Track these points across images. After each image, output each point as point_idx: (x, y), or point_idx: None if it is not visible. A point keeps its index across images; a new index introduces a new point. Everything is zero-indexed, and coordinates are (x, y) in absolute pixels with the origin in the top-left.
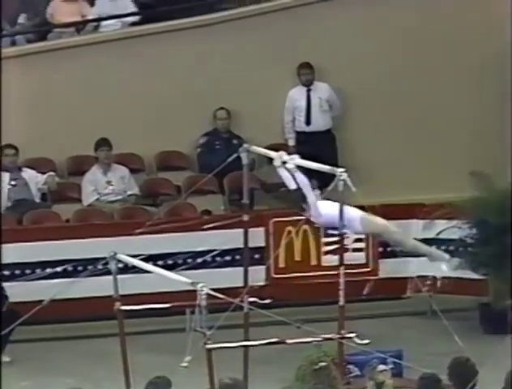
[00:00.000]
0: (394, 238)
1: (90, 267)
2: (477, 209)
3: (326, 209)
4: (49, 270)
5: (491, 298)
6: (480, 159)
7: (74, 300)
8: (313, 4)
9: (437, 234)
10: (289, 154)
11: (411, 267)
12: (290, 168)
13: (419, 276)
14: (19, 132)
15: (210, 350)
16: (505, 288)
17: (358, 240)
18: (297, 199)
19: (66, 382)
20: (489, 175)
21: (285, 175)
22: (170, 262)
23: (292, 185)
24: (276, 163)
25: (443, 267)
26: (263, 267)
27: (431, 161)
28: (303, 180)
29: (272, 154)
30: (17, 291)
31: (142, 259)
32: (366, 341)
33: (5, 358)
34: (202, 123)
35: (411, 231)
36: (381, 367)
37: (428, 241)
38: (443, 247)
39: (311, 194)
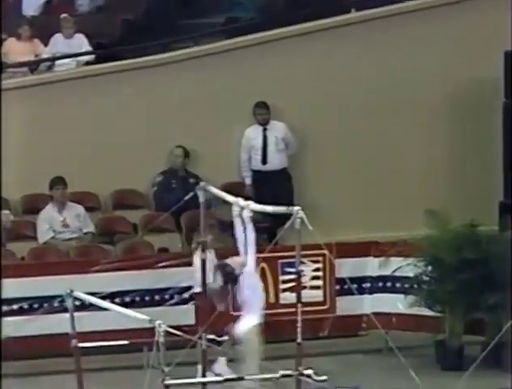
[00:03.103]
0: None
1: (46, 305)
2: (432, 247)
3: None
4: (4, 308)
5: (446, 335)
6: (434, 198)
7: (30, 337)
8: (269, 43)
9: (393, 272)
10: (246, 199)
11: (367, 305)
12: (245, 218)
13: (374, 313)
14: None
15: (168, 387)
16: (459, 325)
17: (315, 277)
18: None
19: None
20: (443, 214)
21: (237, 224)
22: (127, 299)
23: (239, 235)
24: (234, 209)
25: (399, 304)
26: (222, 305)
27: (386, 200)
28: (251, 235)
29: (229, 198)
30: None
31: (100, 297)
32: (323, 378)
33: None
34: (159, 162)
35: (368, 269)
36: None
37: (383, 279)
38: (398, 285)
39: (251, 253)
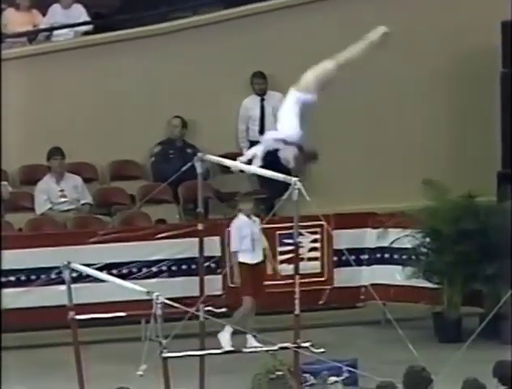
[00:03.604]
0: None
1: (43, 276)
2: (430, 218)
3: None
4: (2, 279)
5: (444, 307)
6: (432, 169)
7: (27, 309)
8: (266, 13)
9: (391, 243)
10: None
11: (365, 276)
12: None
13: (372, 285)
14: None
15: (166, 359)
16: (457, 296)
17: (313, 249)
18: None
19: None
20: (441, 184)
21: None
22: (125, 271)
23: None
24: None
25: (397, 276)
26: (219, 277)
27: (384, 171)
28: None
29: (228, 162)
30: None
31: (97, 269)
32: (321, 350)
33: None
34: (156, 133)
35: (366, 240)
36: (332, 379)
37: (382, 250)
38: (396, 256)
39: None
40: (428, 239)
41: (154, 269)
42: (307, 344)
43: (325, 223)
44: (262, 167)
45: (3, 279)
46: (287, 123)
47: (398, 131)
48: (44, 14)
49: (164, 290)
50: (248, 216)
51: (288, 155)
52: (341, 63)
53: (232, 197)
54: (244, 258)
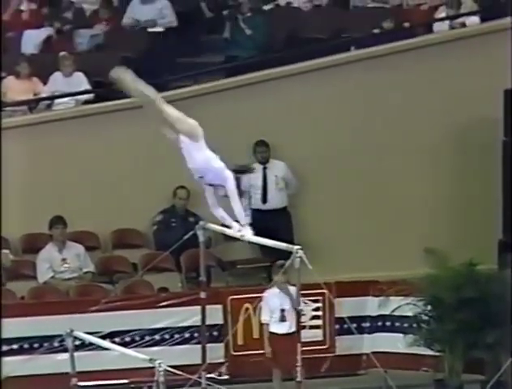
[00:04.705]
0: None
1: (46, 344)
2: (431, 286)
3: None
4: (4, 347)
5: (446, 374)
6: (434, 237)
7: (30, 376)
8: (269, 81)
9: (392, 311)
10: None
11: (367, 344)
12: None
13: (374, 352)
14: None
15: None
16: (459, 363)
17: (315, 317)
18: None
19: None
20: (443, 252)
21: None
22: (127, 339)
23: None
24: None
25: (398, 344)
26: (221, 345)
27: (385, 239)
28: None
29: (227, 230)
30: None
31: (99, 337)
32: None
33: None
34: (158, 201)
35: (367, 308)
36: None
37: (383, 318)
38: (398, 324)
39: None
40: (429, 307)
41: (156, 337)
42: None
43: (326, 291)
44: (262, 235)
45: (6, 348)
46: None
47: (399, 199)
48: (44, 83)
49: (167, 358)
50: (281, 287)
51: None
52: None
53: (234, 265)
54: (273, 328)
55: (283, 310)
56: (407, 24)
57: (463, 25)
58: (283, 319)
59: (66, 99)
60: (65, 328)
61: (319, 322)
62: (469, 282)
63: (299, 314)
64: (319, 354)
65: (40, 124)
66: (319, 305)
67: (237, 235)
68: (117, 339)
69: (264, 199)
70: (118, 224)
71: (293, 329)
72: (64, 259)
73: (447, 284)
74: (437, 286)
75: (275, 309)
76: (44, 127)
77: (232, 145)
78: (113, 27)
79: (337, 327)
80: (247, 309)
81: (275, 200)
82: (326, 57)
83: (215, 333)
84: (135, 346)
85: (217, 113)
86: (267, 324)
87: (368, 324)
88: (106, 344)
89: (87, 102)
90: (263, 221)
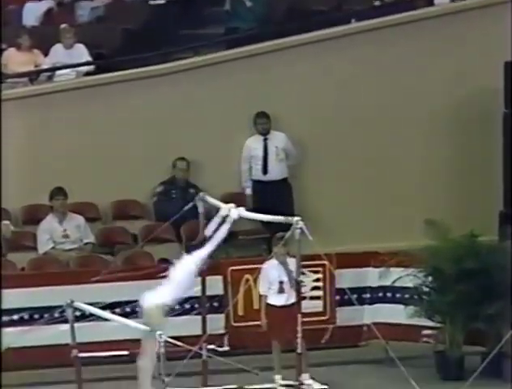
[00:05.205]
0: None
1: (46, 315)
2: (432, 257)
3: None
4: (5, 318)
5: (446, 346)
6: (435, 208)
7: (30, 348)
8: (269, 53)
9: (393, 282)
10: (241, 206)
11: (367, 315)
12: (230, 217)
13: (374, 324)
14: None
15: None
16: (459, 335)
17: (315, 288)
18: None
19: None
20: (443, 224)
21: (214, 222)
22: (128, 309)
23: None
24: (223, 212)
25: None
26: (222, 315)
27: (386, 210)
28: (221, 235)
29: (222, 205)
30: None
31: (100, 308)
32: (324, 388)
33: None
34: (159, 172)
35: (368, 279)
36: None
37: (384, 289)
38: (398, 295)
39: (211, 245)
40: (430, 278)
41: None
42: (310, 382)
43: (327, 262)
44: (262, 206)
45: (6, 319)
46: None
47: (401, 171)
48: (45, 55)
49: (167, 329)
50: (280, 259)
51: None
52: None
53: (235, 236)
54: (271, 300)
55: (281, 282)
56: None
57: None
58: (281, 291)
59: (66, 70)
60: (65, 299)
61: (319, 293)
62: (470, 253)
63: (299, 284)
64: (319, 325)
65: (41, 95)
66: (319, 276)
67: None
68: (117, 310)
69: (265, 170)
70: (119, 195)
71: (291, 301)
72: (64, 230)
73: (448, 256)
74: (438, 257)
75: (273, 280)
76: (45, 99)
77: (233, 116)
78: None
79: (337, 298)
80: (247, 280)
81: (276, 171)
82: (326, 29)
83: (216, 304)
84: (136, 317)
85: (218, 85)
86: (266, 296)
87: (368, 295)
88: (106, 314)
89: (87, 74)
90: (264, 192)
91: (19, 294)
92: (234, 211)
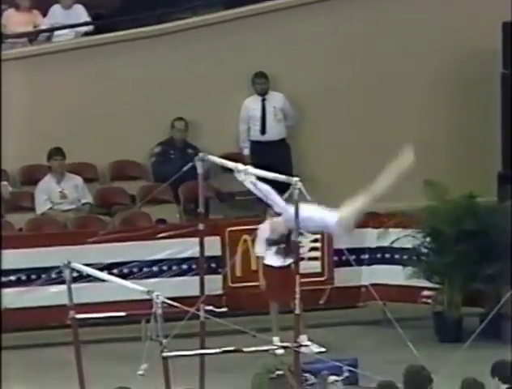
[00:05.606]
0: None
1: (44, 276)
2: (430, 218)
3: (302, 212)
4: (2, 279)
5: (445, 307)
6: (433, 169)
7: (27, 308)
8: (268, 13)
9: (391, 243)
10: (244, 164)
11: (365, 276)
12: (251, 181)
13: (373, 285)
14: None
15: (166, 358)
16: (458, 296)
17: (313, 249)
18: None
19: None
20: (442, 185)
21: (251, 187)
22: (125, 271)
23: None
24: (240, 177)
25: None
26: (220, 276)
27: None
28: (266, 189)
29: (229, 164)
30: None
31: (97, 268)
32: (322, 349)
33: None
34: (157, 133)
35: (366, 240)
36: (333, 378)
37: (382, 250)
38: (397, 256)
39: (278, 201)
40: (428, 239)
41: (154, 269)
42: (308, 344)
43: None
44: (260, 167)
45: (4, 279)
46: (303, 214)
47: (399, 131)
48: (44, 15)
49: (165, 290)
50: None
51: (277, 227)
52: (377, 196)
53: (233, 197)
54: (268, 260)
55: None
56: None
57: None
58: (278, 252)
59: (65, 31)
60: (62, 260)
61: (317, 253)
62: (469, 214)
63: (297, 245)
64: (318, 286)
65: (40, 56)
66: (317, 236)
67: (234, 166)
68: (115, 271)
69: (263, 130)
70: (117, 155)
71: (288, 261)
72: (62, 191)
73: (447, 216)
74: (437, 218)
75: None
76: (44, 59)
77: (231, 77)
78: None
79: (335, 258)
80: (245, 240)
81: (274, 131)
82: None
83: (213, 265)
84: (133, 278)
85: (216, 45)
86: (262, 256)
87: (367, 256)
88: (104, 275)
89: (86, 34)
90: (262, 153)
91: (16, 255)
92: (248, 180)
